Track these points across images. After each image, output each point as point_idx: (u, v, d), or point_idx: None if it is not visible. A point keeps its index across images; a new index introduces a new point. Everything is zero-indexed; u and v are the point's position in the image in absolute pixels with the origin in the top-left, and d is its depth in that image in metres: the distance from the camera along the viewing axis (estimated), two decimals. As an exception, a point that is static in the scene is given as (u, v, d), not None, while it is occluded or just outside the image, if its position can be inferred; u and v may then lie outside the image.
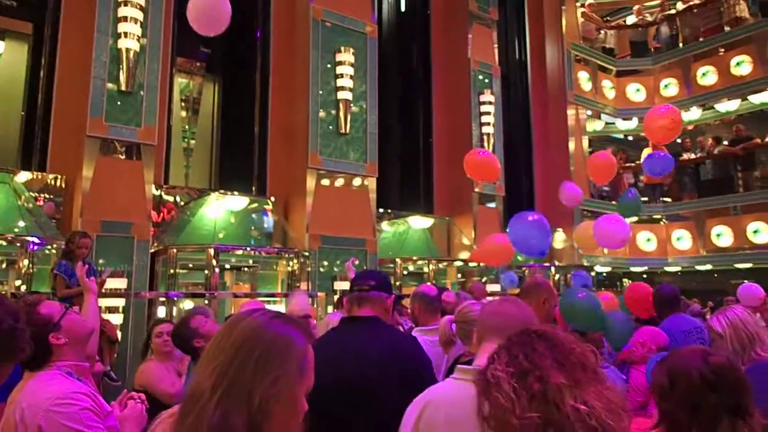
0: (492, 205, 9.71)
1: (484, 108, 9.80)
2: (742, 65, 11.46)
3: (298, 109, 7.83)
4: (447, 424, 1.40)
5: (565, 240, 10.97)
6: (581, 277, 6.82)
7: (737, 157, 11.09)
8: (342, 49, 7.92)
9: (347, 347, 2.17)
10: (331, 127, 7.80)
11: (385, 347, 2.15)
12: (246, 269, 7.61)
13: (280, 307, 6.10)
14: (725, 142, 11.59)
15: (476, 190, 9.51)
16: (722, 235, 10.94)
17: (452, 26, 10.24)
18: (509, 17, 11.56)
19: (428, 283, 6.20)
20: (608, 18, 13.99)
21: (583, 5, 12.88)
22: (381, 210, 8.70)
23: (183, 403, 1.01)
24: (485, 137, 9.72)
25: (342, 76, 7.91)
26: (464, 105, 9.80)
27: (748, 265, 11.63)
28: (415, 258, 8.72)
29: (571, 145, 11.38)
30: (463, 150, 9.65)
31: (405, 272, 8.55)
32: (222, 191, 7.46)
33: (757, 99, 12.08)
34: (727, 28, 11.80)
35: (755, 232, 10.59)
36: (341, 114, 7.83)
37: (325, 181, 7.70)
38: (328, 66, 7.90)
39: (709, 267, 11.56)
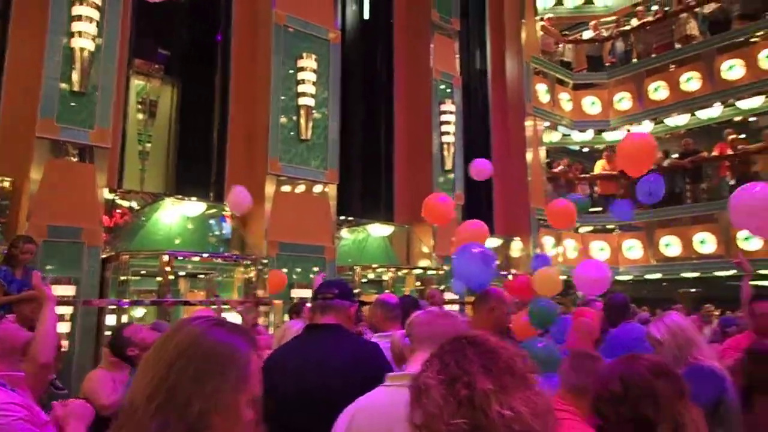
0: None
1: (444, 117, 9.92)
2: (691, 81, 11.94)
3: (258, 114, 7.76)
4: (376, 430, 1.41)
5: (522, 249, 11.18)
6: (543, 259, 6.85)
7: (686, 170, 11.53)
8: (304, 55, 7.89)
9: (310, 356, 2.18)
10: (292, 134, 7.76)
11: (347, 356, 2.16)
12: (202, 276, 7.48)
13: (234, 317, 6.01)
14: (675, 156, 12.02)
15: (436, 198, 9.60)
16: (671, 245, 11.35)
17: (415, 35, 10.34)
18: (471, 28, 11.76)
19: (387, 291, 6.23)
20: (566, 32, 14.37)
21: (542, 19, 13.20)
22: (341, 217, 8.69)
23: (119, 414, 0.99)
24: (445, 146, 9.84)
25: (304, 82, 7.88)
26: (425, 114, 9.91)
27: (696, 275, 12.10)
28: (374, 266, 8.74)
29: (529, 156, 11.63)
30: (423, 158, 9.84)
31: (364, 280, 8.56)
32: (178, 196, 7.31)
33: (705, 114, 12.61)
34: (678, 46, 12.28)
35: (702, 242, 11.02)
36: (302, 120, 7.80)
37: (286, 188, 7.64)
38: (290, 72, 7.86)
39: (658, 276, 11.96)
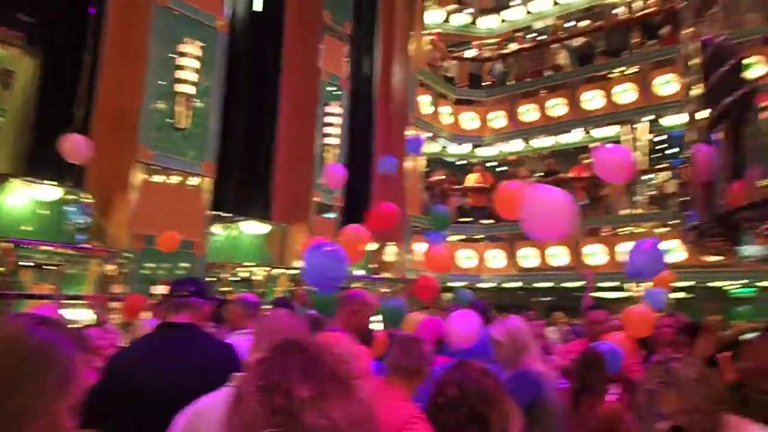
0: (330, 215, 9.85)
1: (329, 119, 9.96)
2: (557, 107, 13.02)
3: (130, 97, 7.26)
4: (210, 430, 1.39)
5: (396, 254, 11.49)
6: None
7: (547, 189, 12.54)
8: (187, 40, 7.53)
9: (163, 355, 2.12)
10: (168, 121, 7.36)
11: (202, 355, 2.12)
12: (52, 268, 6.82)
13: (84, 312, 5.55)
14: (539, 174, 13.03)
15: (315, 199, 9.60)
16: (528, 257, 12.26)
17: (306, 34, 10.26)
18: (362, 34, 11.90)
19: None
20: (452, 49, 15.03)
21: (430, 34, 13.70)
22: (215, 212, 8.38)
23: None
24: (328, 148, 9.86)
25: (185, 68, 7.52)
26: (310, 113, 9.87)
27: (549, 285, 13.18)
28: (246, 264, 8.53)
29: (408, 164, 11.99)
30: (305, 158, 9.78)
31: (235, 278, 8.32)
32: (29, 178, 6.62)
33: (566, 138, 13.82)
34: (548, 73, 13.35)
35: (554, 255, 12.02)
36: (180, 108, 7.43)
37: (158, 178, 7.23)
38: (171, 56, 7.46)
39: (517, 285, 12.87)
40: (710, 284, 11.63)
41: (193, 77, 7.55)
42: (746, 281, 11.38)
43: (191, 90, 7.51)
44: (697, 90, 2.92)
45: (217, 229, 8.72)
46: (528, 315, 7.09)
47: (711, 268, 10.12)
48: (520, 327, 2.72)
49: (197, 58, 7.60)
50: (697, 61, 2.94)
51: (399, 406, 2.00)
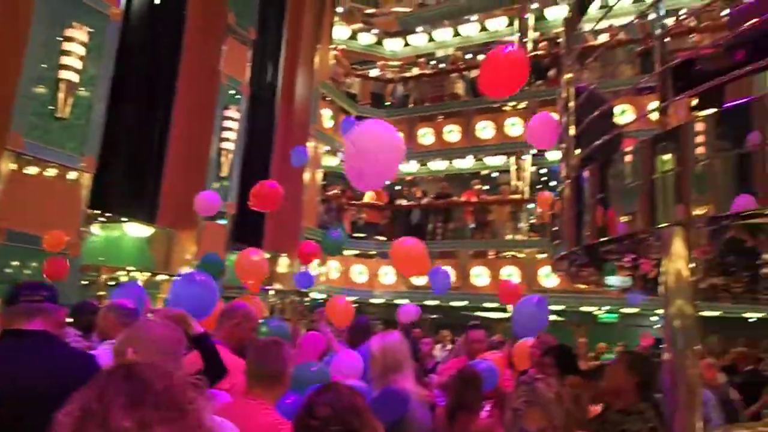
0: (221, 222, 9.55)
1: (227, 123, 9.69)
2: (452, 133, 13.61)
3: (4, 78, 6.62)
4: None
5: (289, 265, 11.35)
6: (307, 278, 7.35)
7: (439, 210, 13.02)
8: (75, 24, 7.02)
9: (15, 365, 1.92)
10: (50, 108, 6.80)
11: (57, 365, 1.94)
12: None
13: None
14: (432, 196, 13.50)
15: (207, 204, 9.26)
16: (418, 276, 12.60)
17: (207, 33, 9.94)
18: (267, 41, 11.74)
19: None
20: (356, 66, 15.25)
21: (336, 49, 13.82)
22: (95, 211, 7.82)
23: None
24: (224, 152, 9.59)
25: (70, 54, 7.00)
26: (208, 116, 9.55)
27: (436, 303, 13.63)
28: (128, 268, 8.03)
29: (306, 176, 11.95)
30: (199, 161, 9.42)
31: (112, 282, 7.79)
32: None
33: (460, 164, 14.48)
34: (446, 100, 13.93)
35: (478, 276, 12.38)
36: (61, 95, 6.89)
37: (31, 169, 6.63)
38: (56, 39, 6.92)
39: (406, 301, 13.15)
40: (581, 309, 12.63)
41: (78, 64, 7.04)
42: (610, 308, 12.50)
43: (75, 77, 6.99)
44: (571, 131, 3.20)
45: (95, 229, 8.14)
46: (415, 332, 7.28)
47: (581, 293, 10.99)
48: (397, 344, 2.73)
49: (84, 44, 7.10)
50: (572, 104, 3.23)
51: (262, 415, 1.99)
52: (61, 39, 6.94)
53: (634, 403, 2.52)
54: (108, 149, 7.80)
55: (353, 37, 15.17)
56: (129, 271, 8.02)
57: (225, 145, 9.64)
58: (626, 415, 2.49)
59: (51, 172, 6.91)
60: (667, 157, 2.33)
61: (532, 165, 13.69)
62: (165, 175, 9.27)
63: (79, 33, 7.05)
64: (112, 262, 7.97)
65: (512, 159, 13.43)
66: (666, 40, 2.79)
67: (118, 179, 8.55)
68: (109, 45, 7.55)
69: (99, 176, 7.47)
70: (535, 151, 13.23)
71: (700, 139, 2.26)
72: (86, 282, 7.21)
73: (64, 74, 6.93)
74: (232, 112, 9.75)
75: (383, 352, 2.69)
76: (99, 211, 7.98)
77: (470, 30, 14.83)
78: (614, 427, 2.45)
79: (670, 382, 2.15)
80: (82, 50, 7.09)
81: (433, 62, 15.45)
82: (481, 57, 14.32)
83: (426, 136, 13.95)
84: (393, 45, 15.77)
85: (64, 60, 6.94)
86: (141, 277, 8.00)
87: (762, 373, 6.80)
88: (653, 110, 2.64)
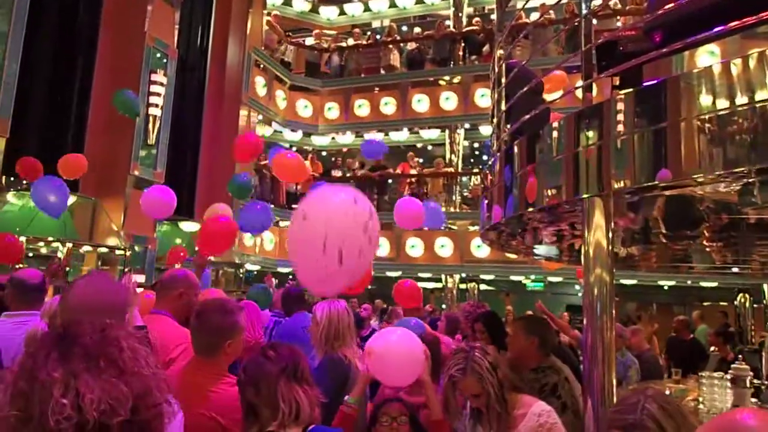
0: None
1: (154, 88, 9.25)
2: (388, 105, 13.61)
3: None
4: None
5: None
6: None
7: (375, 182, 13.07)
8: (-20, -25, 6.46)
9: None
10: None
11: None
12: None
13: None
14: (368, 168, 13.51)
15: (135, 173, 8.89)
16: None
17: (130, -8, 9.38)
18: (196, 3, 11.23)
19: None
20: (290, 33, 14.87)
21: (269, 14, 13.40)
22: (10, 178, 7.34)
23: None
24: (151, 119, 9.18)
25: (-25, 7, 6.44)
26: (132, 79, 9.05)
27: (373, 273, 13.75)
28: (49, 239, 7.61)
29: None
30: (124, 127, 8.96)
31: (31, 254, 7.38)
32: None
33: (396, 136, 14.54)
34: (382, 72, 13.86)
35: (413, 247, 12.50)
36: (-33, 53, 6.35)
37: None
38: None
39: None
40: (510, 278, 13.14)
41: (-13, 20, 6.50)
42: (537, 276, 13.08)
43: (-16, 35, 6.46)
44: (502, 105, 3.30)
45: (11, 197, 7.64)
46: (353, 302, 7.37)
47: (510, 263, 11.42)
48: (342, 313, 2.76)
49: (-7, -3, 6.56)
50: (503, 80, 3.32)
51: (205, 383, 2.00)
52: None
53: (543, 359, 2.74)
54: (23, 112, 7.29)
55: (287, 2, 14.75)
56: (49, 242, 7.61)
57: (152, 111, 9.21)
58: (539, 372, 2.69)
59: (-43, 135, 6.40)
60: (590, 132, 2.45)
61: (465, 139, 13.95)
62: (87, 141, 8.79)
63: (-14, -15, 6.50)
64: (30, 232, 7.51)
65: (446, 132, 13.62)
66: (591, 20, 2.90)
67: (34, 143, 8.01)
68: (21, -1, 6.99)
69: (13, 141, 6.98)
70: (468, 126, 13.48)
71: (619, 116, 2.39)
72: (0, 254, 6.76)
73: (-31, 30, 6.38)
74: (159, 77, 9.31)
75: (329, 320, 2.72)
76: (16, 178, 7.48)
77: (406, 1, 14.75)
78: (534, 384, 2.62)
79: (589, 343, 2.30)
80: (-11, 4, 6.54)
81: (368, 33, 15.29)
82: (417, 30, 14.42)
83: (362, 107, 13.89)
84: (328, 13, 15.46)
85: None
86: (63, 249, 7.62)
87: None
88: (577, 87, 2.76)
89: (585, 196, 2.36)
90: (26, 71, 7.26)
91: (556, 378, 2.64)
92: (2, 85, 6.74)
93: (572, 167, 2.45)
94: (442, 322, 5.46)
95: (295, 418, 1.59)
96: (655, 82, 2.33)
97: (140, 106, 5.73)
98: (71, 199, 8.44)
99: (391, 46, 13.80)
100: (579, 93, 2.80)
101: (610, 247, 2.32)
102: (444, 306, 11.92)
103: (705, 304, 12.82)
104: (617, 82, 3.05)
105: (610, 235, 2.32)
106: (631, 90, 2.43)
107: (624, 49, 3.23)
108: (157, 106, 9.26)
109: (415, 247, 12.39)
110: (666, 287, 12.91)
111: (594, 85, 2.71)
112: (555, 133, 2.68)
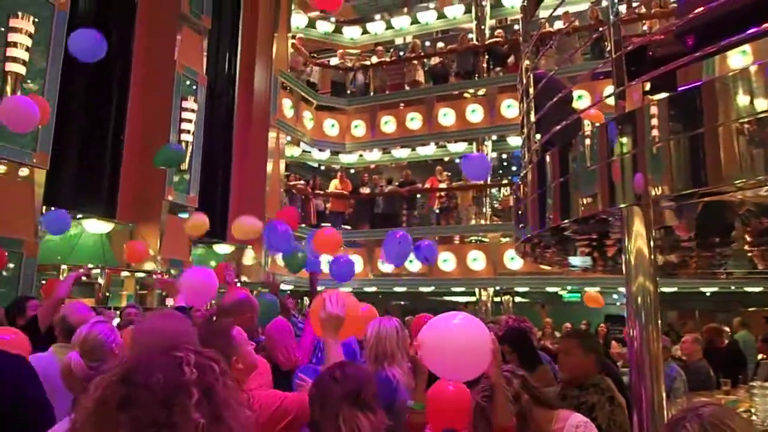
0: (184, 215, 9.37)
1: (185, 115, 9.48)
2: (414, 121, 13.66)
3: (-53, 72, 6.32)
4: None
5: (254, 257, 11.26)
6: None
7: (403, 197, 13.09)
8: (20, 14, 6.74)
9: None
10: (-6, 102, 6.52)
11: None
12: None
13: None
14: (396, 183, 13.55)
15: (169, 198, 9.09)
16: (385, 263, 12.67)
17: (160, 22, 9.68)
18: (222, 30, 11.51)
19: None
20: (315, 55, 15.11)
21: (294, 37, 13.65)
22: (50, 208, 7.58)
23: None
24: (183, 144, 9.39)
25: (16, 45, 6.72)
26: (164, 107, 9.31)
27: (404, 289, 13.75)
28: (89, 266, 7.82)
29: (269, 167, 11.82)
30: (156, 153, 9.19)
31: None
32: None
33: (423, 151, 14.57)
34: (407, 88, 13.94)
35: (410, 261, 12.50)
36: (9, 89, 6.62)
37: (-21, 167, 6.38)
38: (1, 29, 6.63)
39: (374, 289, 13.23)
40: (546, 289, 12.94)
41: (24, 56, 6.77)
42: (574, 287, 12.84)
43: (21, 70, 6.72)
44: (531, 116, 3.28)
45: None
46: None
47: (545, 274, 11.24)
48: (391, 330, 2.73)
49: (29, 35, 6.83)
50: (532, 90, 3.31)
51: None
52: (5, 30, 6.66)
53: (591, 376, 2.63)
54: (61, 144, 7.55)
55: (311, 24, 15.00)
56: (90, 270, 7.81)
57: (184, 137, 9.43)
58: (583, 389, 2.59)
59: (1, 168, 6.65)
60: (624, 140, 2.42)
61: (493, 150, 13.88)
62: (123, 170, 9.04)
63: (25, 23, 6.77)
64: (71, 260, 7.74)
65: (474, 145, 13.58)
66: (620, 27, 2.87)
67: (73, 175, 8.29)
68: (57, 35, 7.27)
69: (53, 172, 7.23)
70: (495, 137, 13.42)
71: (654, 122, 2.35)
72: (45, 282, 6.98)
73: (10, 66, 6.65)
74: (190, 103, 9.54)
75: (377, 338, 2.71)
76: (54, 209, 7.73)
77: (428, 17, 14.85)
78: (573, 402, 2.55)
79: (634, 356, 2.24)
80: (28, 41, 6.81)
81: (391, 50, 15.43)
82: (440, 44, 14.48)
83: (388, 124, 13.96)
84: (351, 33, 15.67)
85: (10, 52, 6.66)
86: (102, 276, 7.81)
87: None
88: (609, 95, 2.73)
89: (622, 205, 2.32)
90: (63, 104, 7.52)
91: (596, 398, 2.52)
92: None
93: (607, 176, 2.42)
94: None
95: None
96: (690, 86, 2.29)
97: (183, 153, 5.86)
98: (109, 226, 8.70)
99: (414, 61, 13.88)
100: (609, 101, 2.77)
101: (653, 256, 2.27)
102: (478, 320, 11.78)
103: (750, 309, 12.39)
104: (647, 88, 3.01)
105: (652, 243, 2.27)
106: (665, 95, 2.39)
107: (654, 54, 3.19)
108: (188, 132, 9.49)
109: (447, 262, 12.30)
110: (708, 293, 12.53)
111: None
112: (588, 142, 2.65)
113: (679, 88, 2.36)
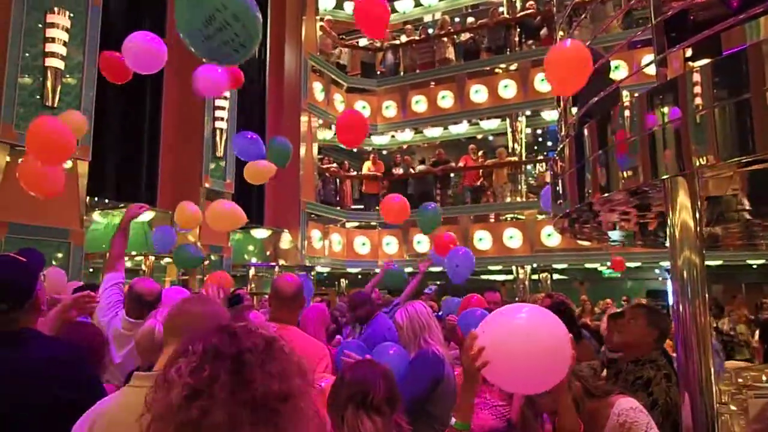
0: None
1: (219, 102, 9.60)
2: (445, 99, 13.50)
3: (-11, 68, 6.53)
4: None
5: (291, 241, 11.40)
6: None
7: (437, 177, 13.01)
8: (57, 9, 6.90)
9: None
10: (37, 97, 6.73)
11: (37, 366, 1.65)
12: None
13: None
14: (429, 163, 13.47)
15: (206, 185, 9.26)
16: (421, 243, 12.66)
17: (191, 12, 9.76)
18: (252, 15, 11.54)
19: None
20: (344, 36, 15.03)
21: (322, 19, 13.60)
22: (94, 198, 7.83)
23: None
24: (218, 132, 9.53)
25: (54, 40, 6.89)
26: (198, 96, 9.43)
27: (440, 269, 13.69)
28: (132, 253, 8.06)
29: (302, 151, 11.90)
30: (194, 142, 9.37)
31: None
32: None
33: (455, 129, 14.41)
34: (437, 66, 13.77)
35: (480, 240, 12.41)
36: (49, 84, 6.81)
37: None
38: (38, 25, 6.80)
39: (410, 270, 13.25)
40: (585, 266, 12.73)
41: (62, 50, 6.93)
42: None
43: (60, 64, 6.90)
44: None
45: (97, 216, 8.15)
46: (424, 297, 7.32)
47: (583, 251, 11.06)
48: (420, 310, 2.82)
49: (66, 29, 6.99)
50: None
51: None
52: (44, 25, 6.83)
53: (648, 352, 2.57)
54: (101, 135, 7.75)
55: (339, 6, 14.90)
56: (133, 257, 8.05)
57: (218, 124, 9.57)
58: (640, 364, 2.54)
59: (46, 162, 6.87)
60: (666, 109, 2.34)
61: (527, 126, 13.63)
62: (161, 158, 9.25)
63: (61, 18, 6.93)
64: (115, 248, 7.98)
65: (507, 121, 13.36)
66: (659, -10, 2.76)
67: (114, 165, 8.53)
68: (92, 29, 7.43)
69: (95, 164, 7.44)
70: (529, 112, 13.16)
71: (697, 89, 2.27)
72: (92, 270, 7.25)
73: (49, 62, 6.83)
74: (223, 91, 9.65)
75: (410, 319, 2.78)
76: (99, 198, 7.99)
77: (457, -8, 14.59)
78: (628, 376, 2.51)
79: (681, 331, 2.19)
80: (65, 36, 6.98)
81: (420, 28, 15.22)
82: (470, 20, 14.21)
83: (419, 103, 13.84)
84: (380, 12, 15.49)
85: (49, 47, 6.84)
86: (146, 262, 8.04)
87: None
88: (649, 63, 2.63)
89: (665, 176, 2.25)
90: (101, 97, 7.70)
91: (653, 373, 2.48)
92: (82, 112, 7.18)
93: (648, 147, 2.35)
94: None
95: None
96: (734, 50, 2.19)
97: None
98: (150, 214, 8.93)
99: (444, 38, 13.68)
100: (648, 69, 2.67)
101: (698, 228, 2.20)
102: (517, 299, 11.71)
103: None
104: (688, 54, 2.90)
105: (697, 215, 2.21)
106: (707, 61, 2.30)
107: (696, 18, 3.06)
108: (222, 119, 9.61)
109: (482, 240, 12.22)
110: (755, 266, 12.13)
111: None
112: (627, 113, 2.58)
113: (724, 53, 2.26)
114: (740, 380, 3.16)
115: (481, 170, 12.79)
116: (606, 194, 2.64)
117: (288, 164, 10.94)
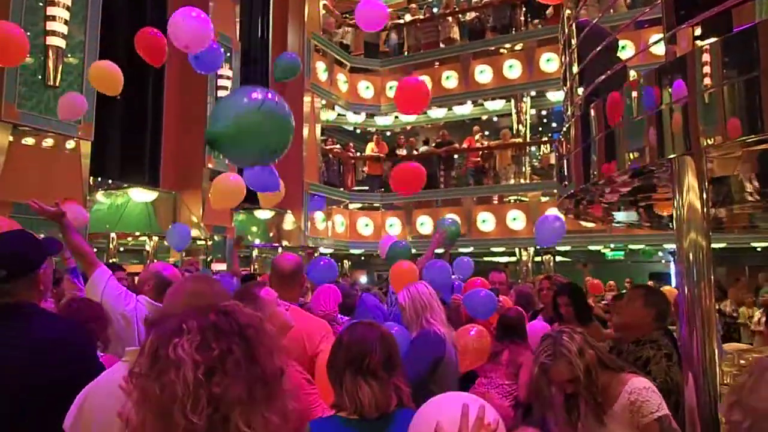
0: (223, 182, 9.52)
1: (221, 82, 9.53)
2: (450, 79, 13.37)
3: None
4: (106, 411, 1.26)
5: (294, 222, 11.41)
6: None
7: (441, 158, 12.94)
8: (57, -13, 6.84)
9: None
10: (39, 77, 6.69)
11: (29, 345, 1.61)
12: None
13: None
14: (433, 144, 13.39)
15: (209, 165, 9.24)
16: (424, 224, 12.66)
17: (193, -10, 9.64)
18: (254, -6, 11.41)
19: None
20: (347, 16, 14.85)
21: (324, -2, 13.44)
22: (97, 179, 7.83)
23: None
24: (221, 112, 9.47)
25: (55, 18, 6.83)
26: (201, 76, 9.34)
27: (442, 251, 13.69)
28: (136, 234, 8.08)
29: (305, 131, 11.83)
30: (197, 121, 9.32)
31: (121, 249, 7.87)
32: None
33: (460, 110, 14.29)
34: (441, 46, 13.62)
35: (484, 221, 12.40)
36: (51, 63, 6.77)
37: (29, 140, 6.59)
38: (40, 4, 6.74)
39: (414, 251, 13.25)
40: (588, 248, 12.71)
41: (63, 29, 6.88)
42: (617, 245, 12.58)
43: (61, 43, 6.85)
44: (574, 68, 3.15)
45: (100, 196, 8.16)
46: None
47: (587, 233, 11.03)
48: (421, 290, 2.82)
49: (67, 8, 6.92)
50: (574, 41, 3.16)
51: None
52: (44, 3, 6.76)
53: (649, 333, 2.58)
54: (104, 117, 7.72)
55: (342, -16, 14.71)
56: (137, 237, 8.07)
57: (221, 104, 9.51)
58: (641, 344, 2.55)
59: (49, 141, 6.86)
60: (674, 87, 2.30)
61: (532, 107, 13.51)
62: (164, 139, 9.22)
63: (62, -5, 6.87)
64: (118, 228, 8.00)
65: (512, 102, 13.24)
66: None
67: (117, 146, 8.51)
68: (93, 7, 7.36)
69: (99, 144, 7.42)
70: (534, 93, 13.03)
71: (705, 68, 2.22)
72: (96, 249, 7.25)
73: (51, 41, 6.78)
74: (225, 70, 9.58)
75: (411, 299, 2.78)
76: (102, 179, 7.99)
77: (462, -29, 14.36)
78: (629, 357, 2.51)
79: (686, 313, 2.18)
80: (65, 14, 6.91)
81: (425, 7, 15.02)
82: (475, -2, 14.00)
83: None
84: (384, -10, 15.29)
85: (50, 26, 6.78)
86: (149, 243, 8.06)
87: None
88: (658, 40, 2.58)
89: (672, 156, 2.22)
90: (104, 76, 7.64)
91: (652, 353, 2.48)
92: (84, 92, 7.14)
93: (656, 126, 2.31)
94: (511, 296, 4.96)
95: (359, 407, 1.57)
96: (743, 27, 2.14)
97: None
98: (153, 195, 8.93)
99: (449, 18, 13.50)
100: (654, 49, 2.62)
101: (705, 209, 2.17)
102: (519, 280, 11.72)
103: (805, 264, 11.90)
104: (697, 33, 2.84)
105: (704, 195, 2.18)
106: (716, 39, 2.25)
107: (706, -5, 3.00)
108: (225, 99, 9.54)
109: (486, 222, 12.20)
110: (759, 249, 12.08)
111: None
112: (634, 93, 2.53)
113: (733, 30, 2.21)
114: (742, 362, 3.17)
115: (482, 152, 12.71)
116: (611, 174, 2.61)
117: (291, 146, 10.82)
